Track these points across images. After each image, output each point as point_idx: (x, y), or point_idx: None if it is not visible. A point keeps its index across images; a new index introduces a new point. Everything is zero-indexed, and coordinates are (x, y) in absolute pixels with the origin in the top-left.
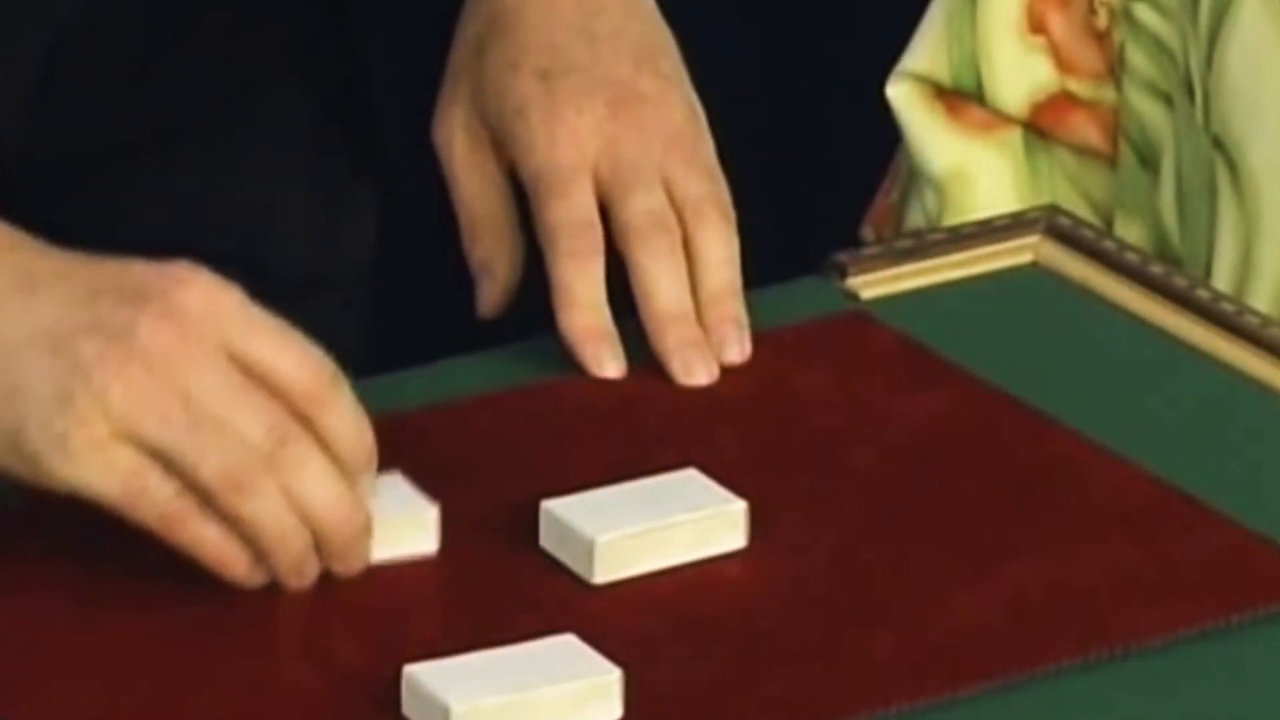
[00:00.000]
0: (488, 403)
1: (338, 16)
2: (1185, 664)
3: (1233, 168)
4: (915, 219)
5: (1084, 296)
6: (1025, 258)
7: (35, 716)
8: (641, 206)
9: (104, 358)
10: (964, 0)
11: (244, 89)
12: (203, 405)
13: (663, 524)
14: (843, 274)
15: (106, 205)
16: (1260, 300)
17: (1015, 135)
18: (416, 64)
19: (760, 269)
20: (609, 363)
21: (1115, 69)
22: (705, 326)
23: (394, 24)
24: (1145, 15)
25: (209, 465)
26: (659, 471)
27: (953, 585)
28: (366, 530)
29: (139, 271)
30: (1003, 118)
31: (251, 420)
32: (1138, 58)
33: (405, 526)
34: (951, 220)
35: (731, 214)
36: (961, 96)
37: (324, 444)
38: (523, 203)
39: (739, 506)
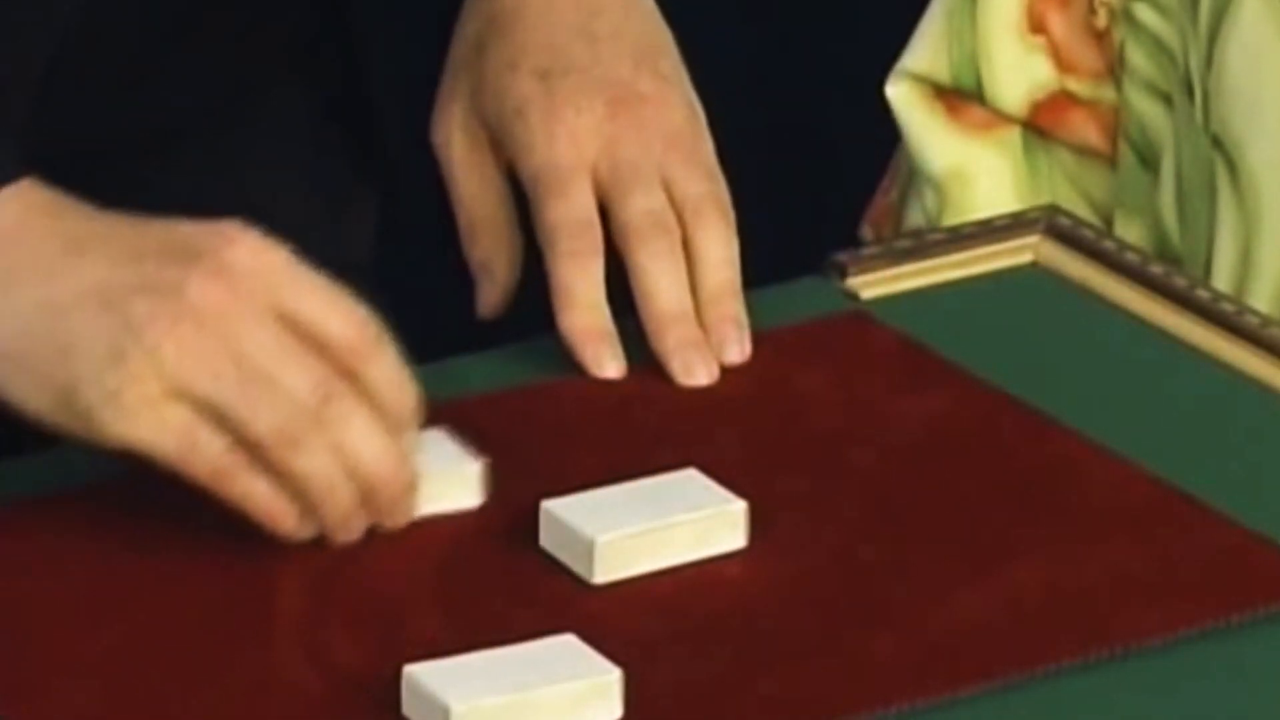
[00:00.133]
0: (488, 403)
1: (338, 16)
2: (1185, 664)
3: (1232, 167)
4: (915, 218)
5: (1084, 296)
6: (1025, 258)
7: (35, 716)
8: (641, 206)
9: (155, 316)
10: (964, 0)
11: (244, 89)
12: (253, 361)
13: (663, 524)
14: (843, 274)
15: (107, 205)
16: (1260, 300)
17: (1015, 135)
18: (416, 64)
19: (760, 269)
20: (609, 363)
21: (1115, 68)
22: (705, 326)
23: (394, 24)
24: (1145, 15)
25: (260, 421)
26: (659, 471)
27: (953, 585)
28: (413, 484)
29: (186, 231)
30: (1002, 117)
31: (300, 376)
32: (1137, 57)
33: (449, 481)
34: (951, 219)
35: (731, 214)
36: (961, 96)
37: (369, 399)
38: (522, 203)
39: (739, 506)
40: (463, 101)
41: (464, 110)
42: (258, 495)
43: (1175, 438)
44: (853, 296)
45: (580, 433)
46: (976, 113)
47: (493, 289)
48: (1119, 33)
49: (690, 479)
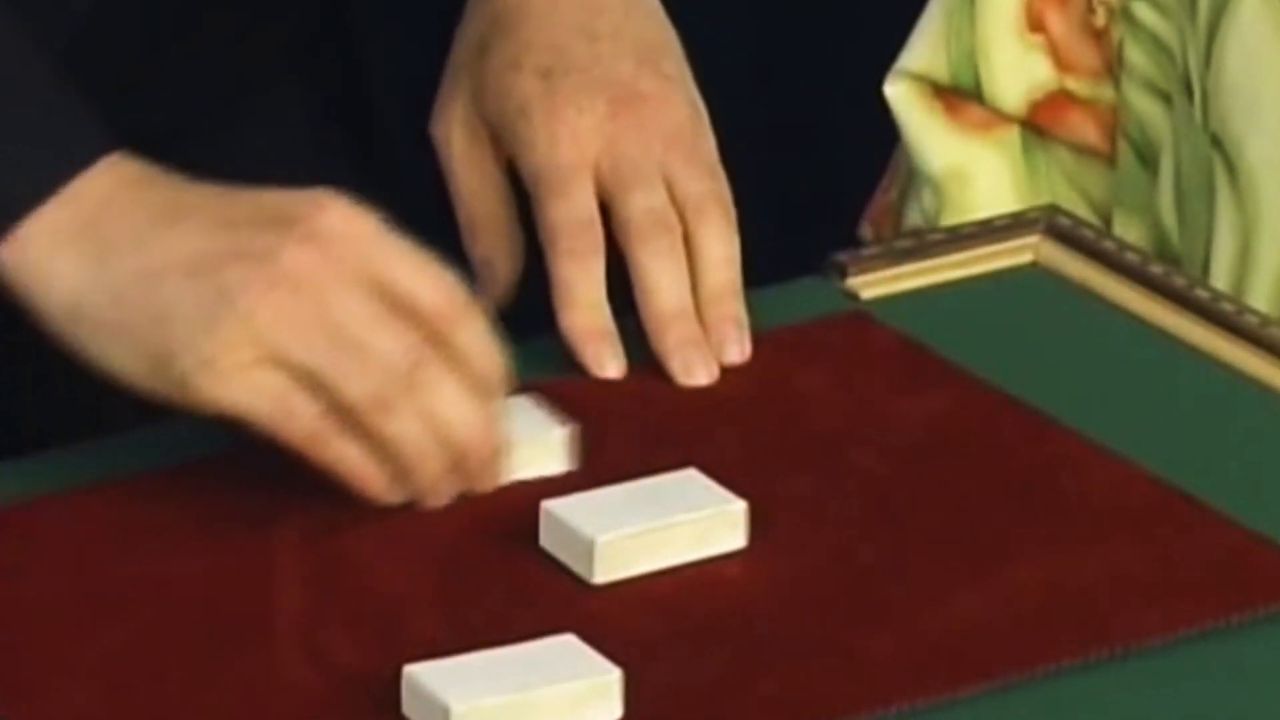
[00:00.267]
0: None
1: (338, 16)
2: (1185, 664)
3: (1231, 166)
4: (914, 218)
5: (1084, 296)
6: (1025, 258)
7: (35, 716)
8: (642, 205)
9: (248, 282)
10: None
11: (244, 89)
12: (345, 327)
13: (663, 524)
14: (843, 274)
15: None
16: (1259, 299)
17: (1013, 134)
18: (416, 64)
19: (760, 269)
20: (609, 362)
21: (1114, 67)
22: (705, 326)
23: (394, 24)
24: (1144, 14)
25: (352, 386)
26: (659, 471)
27: (952, 585)
28: (501, 449)
29: (277, 198)
30: (1001, 116)
31: (391, 342)
32: (1136, 56)
33: (536, 447)
34: (949, 219)
35: (732, 213)
36: (960, 95)
37: (458, 366)
38: (523, 201)
39: (739, 506)
40: (464, 99)
41: (465, 108)
42: (350, 460)
43: (1175, 438)
44: (853, 296)
45: (580, 432)
46: (975, 112)
47: (493, 286)
48: (1118, 32)
49: (690, 479)
